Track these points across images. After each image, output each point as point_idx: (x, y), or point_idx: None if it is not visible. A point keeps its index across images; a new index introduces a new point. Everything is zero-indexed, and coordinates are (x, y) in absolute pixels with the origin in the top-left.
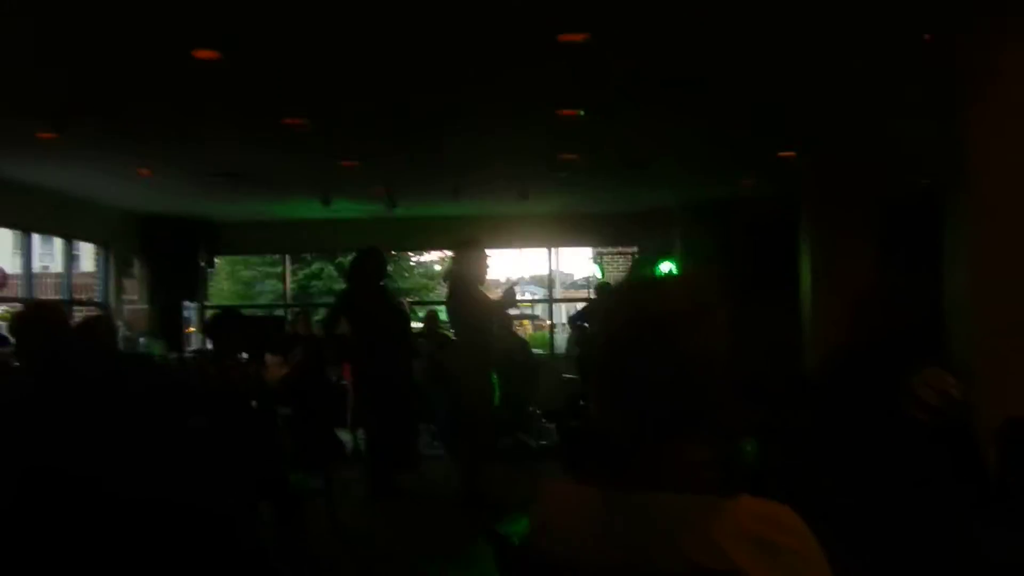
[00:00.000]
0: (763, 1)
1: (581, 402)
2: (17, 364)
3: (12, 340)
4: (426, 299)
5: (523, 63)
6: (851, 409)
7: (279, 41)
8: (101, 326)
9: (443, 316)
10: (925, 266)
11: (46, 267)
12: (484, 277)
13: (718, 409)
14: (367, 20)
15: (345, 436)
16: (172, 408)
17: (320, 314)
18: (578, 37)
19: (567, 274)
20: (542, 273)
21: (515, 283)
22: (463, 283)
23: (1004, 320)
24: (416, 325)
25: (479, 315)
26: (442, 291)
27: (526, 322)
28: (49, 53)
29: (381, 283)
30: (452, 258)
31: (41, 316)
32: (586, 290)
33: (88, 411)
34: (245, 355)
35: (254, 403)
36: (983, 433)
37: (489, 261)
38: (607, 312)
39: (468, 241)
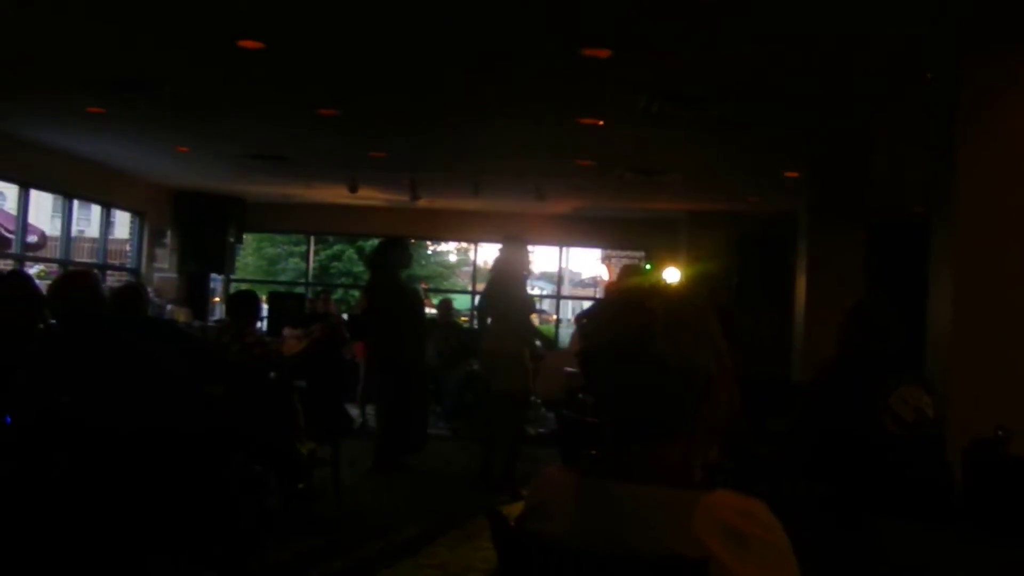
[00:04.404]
0: (776, 32)
1: (580, 395)
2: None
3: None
4: (441, 287)
5: (547, 72)
6: (832, 417)
7: (319, 36)
8: (134, 294)
9: (457, 305)
10: (912, 290)
11: (82, 231)
12: (528, 268)
13: (697, 414)
14: (400, 21)
15: (354, 411)
16: (191, 371)
17: (340, 294)
18: (602, 53)
19: (576, 272)
20: (552, 270)
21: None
22: (509, 273)
23: (980, 346)
24: (430, 311)
25: (520, 304)
26: (457, 280)
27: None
28: (102, 34)
29: (404, 272)
30: (500, 250)
31: (74, 284)
32: (592, 288)
33: (111, 365)
34: (265, 329)
35: (272, 374)
36: (953, 451)
37: (531, 255)
38: (597, 322)
39: (515, 236)
